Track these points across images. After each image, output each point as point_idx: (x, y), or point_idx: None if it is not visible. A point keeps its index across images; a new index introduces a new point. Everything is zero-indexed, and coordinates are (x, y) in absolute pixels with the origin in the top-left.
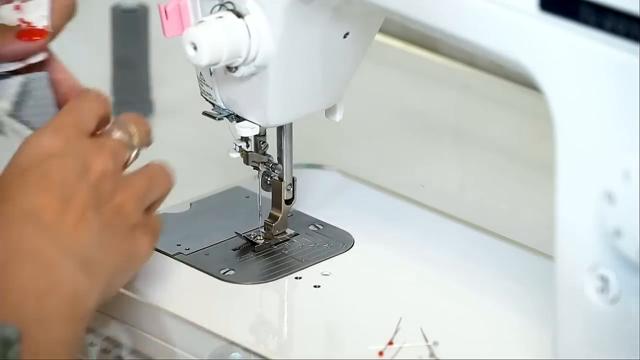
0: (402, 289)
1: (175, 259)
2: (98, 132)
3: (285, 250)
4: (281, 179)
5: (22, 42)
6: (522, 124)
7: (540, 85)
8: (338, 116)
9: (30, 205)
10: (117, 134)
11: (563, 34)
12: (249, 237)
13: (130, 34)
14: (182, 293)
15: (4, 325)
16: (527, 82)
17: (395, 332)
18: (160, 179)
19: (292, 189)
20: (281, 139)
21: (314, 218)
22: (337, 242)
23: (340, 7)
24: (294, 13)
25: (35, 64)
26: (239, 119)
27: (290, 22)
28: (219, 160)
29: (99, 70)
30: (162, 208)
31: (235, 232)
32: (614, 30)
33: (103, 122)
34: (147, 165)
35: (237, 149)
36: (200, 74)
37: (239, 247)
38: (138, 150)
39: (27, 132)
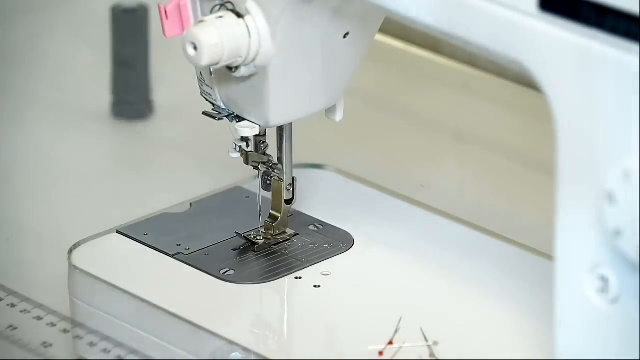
0: (402, 289)
1: (175, 259)
2: None
3: (285, 250)
4: (281, 179)
5: None
6: (522, 124)
7: (540, 85)
8: (338, 116)
9: None
10: None
11: (563, 34)
12: (249, 237)
13: (130, 34)
14: (182, 293)
15: None
16: (527, 82)
17: (395, 332)
18: None
19: (292, 189)
20: (281, 139)
21: (314, 218)
22: (337, 242)
23: (340, 7)
24: (294, 13)
25: None
26: (239, 119)
27: (290, 22)
28: (219, 160)
29: (99, 70)
30: (162, 208)
31: (235, 232)
32: (614, 30)
33: None
34: None
35: (237, 149)
36: (200, 74)
37: (239, 247)
38: None
39: None
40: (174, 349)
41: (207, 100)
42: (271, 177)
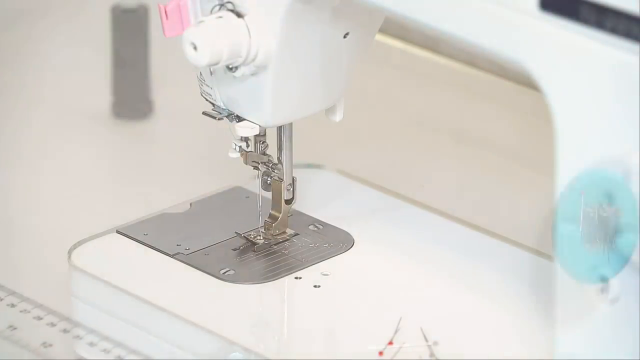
0: (402, 289)
1: (175, 259)
2: None
3: (285, 250)
4: (281, 179)
5: None
6: (522, 124)
7: (540, 85)
8: (338, 116)
9: None
10: None
11: (563, 34)
12: (249, 237)
13: (130, 34)
14: (182, 293)
15: None
16: (527, 82)
17: (395, 332)
18: None
19: (292, 189)
20: (281, 139)
21: (314, 218)
22: (337, 242)
23: (340, 7)
24: (294, 13)
25: None
26: (239, 119)
27: (290, 22)
28: (219, 160)
29: (99, 70)
30: (162, 208)
31: (235, 232)
32: (614, 30)
33: None
34: None
35: (237, 149)
36: (200, 74)
37: (239, 247)
38: None
39: None
40: (174, 349)
41: (207, 100)
42: (271, 177)
